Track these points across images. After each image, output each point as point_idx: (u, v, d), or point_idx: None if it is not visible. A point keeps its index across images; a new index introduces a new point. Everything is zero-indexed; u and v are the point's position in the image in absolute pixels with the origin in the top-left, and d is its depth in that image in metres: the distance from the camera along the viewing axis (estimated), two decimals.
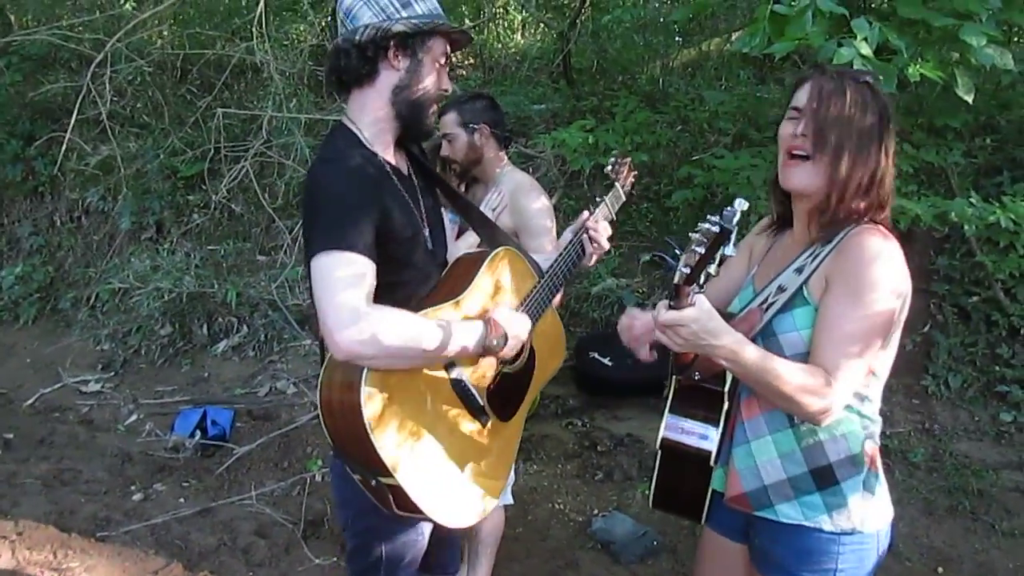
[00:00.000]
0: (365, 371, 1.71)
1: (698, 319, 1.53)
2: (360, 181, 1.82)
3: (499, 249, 2.07)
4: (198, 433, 4.67)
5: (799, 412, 1.68)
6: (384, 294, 1.77)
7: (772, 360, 1.63)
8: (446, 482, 1.87)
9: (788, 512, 1.77)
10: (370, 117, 1.90)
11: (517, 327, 1.92)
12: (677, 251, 1.52)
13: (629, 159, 2.52)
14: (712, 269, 1.46)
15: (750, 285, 1.93)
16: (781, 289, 1.77)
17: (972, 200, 3.16)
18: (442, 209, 2.19)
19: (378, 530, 2.01)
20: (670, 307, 1.54)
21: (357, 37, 1.82)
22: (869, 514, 1.77)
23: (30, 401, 5.35)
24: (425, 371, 1.84)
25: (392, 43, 1.84)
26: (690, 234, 1.46)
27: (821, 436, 1.75)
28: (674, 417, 1.88)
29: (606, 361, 4.92)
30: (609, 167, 2.48)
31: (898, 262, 1.68)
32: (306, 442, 4.62)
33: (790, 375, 1.62)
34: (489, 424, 1.99)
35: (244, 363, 5.70)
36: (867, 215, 1.72)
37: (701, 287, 1.51)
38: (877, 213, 1.73)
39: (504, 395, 2.04)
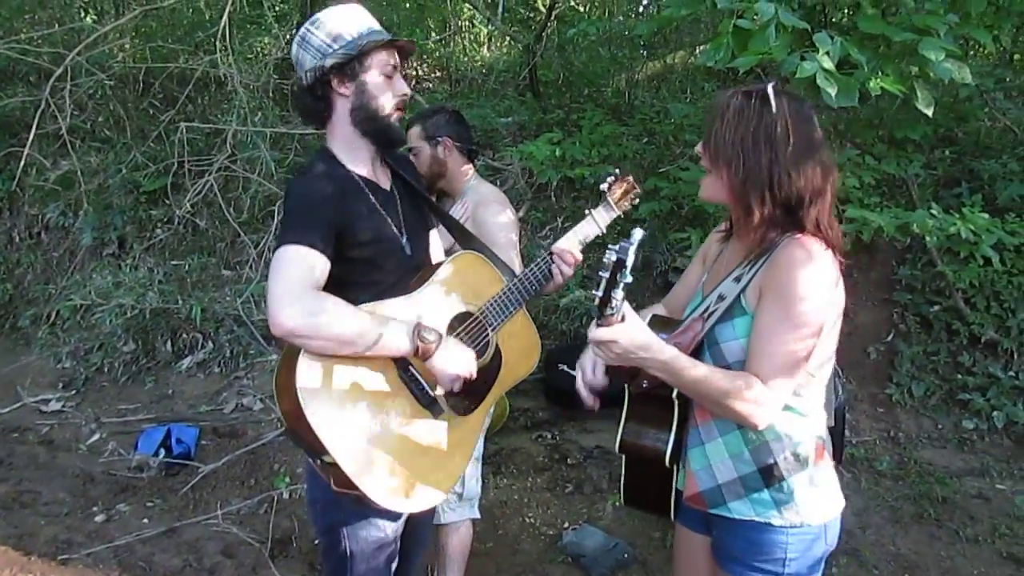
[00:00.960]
0: (303, 352, 1.86)
1: (627, 333, 1.64)
2: (321, 187, 2.01)
3: (461, 252, 2.21)
4: (162, 452, 4.59)
5: (733, 418, 1.78)
6: (359, 293, 1.96)
7: (702, 369, 1.73)
8: (386, 465, 1.94)
9: (740, 508, 1.87)
10: (340, 141, 2.12)
11: (450, 345, 2.02)
12: (601, 271, 1.64)
13: (630, 177, 2.50)
14: (618, 294, 1.58)
15: (700, 292, 2.01)
16: (721, 298, 1.86)
17: (933, 211, 3.21)
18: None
19: (341, 525, 2.12)
20: (598, 324, 1.65)
21: (304, 82, 2.06)
22: (816, 507, 1.87)
23: None
24: (369, 358, 1.94)
25: (332, 75, 2.04)
26: (603, 257, 1.58)
27: (766, 436, 1.84)
28: (630, 423, 1.99)
29: (575, 373, 4.90)
30: (606, 184, 2.47)
31: (826, 269, 1.75)
32: (273, 459, 4.56)
33: (721, 383, 1.72)
34: (443, 416, 2.06)
35: (209, 380, 5.62)
36: (791, 220, 1.78)
37: (617, 306, 1.60)
38: (802, 216, 1.77)
39: (463, 390, 2.09)
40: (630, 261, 1.56)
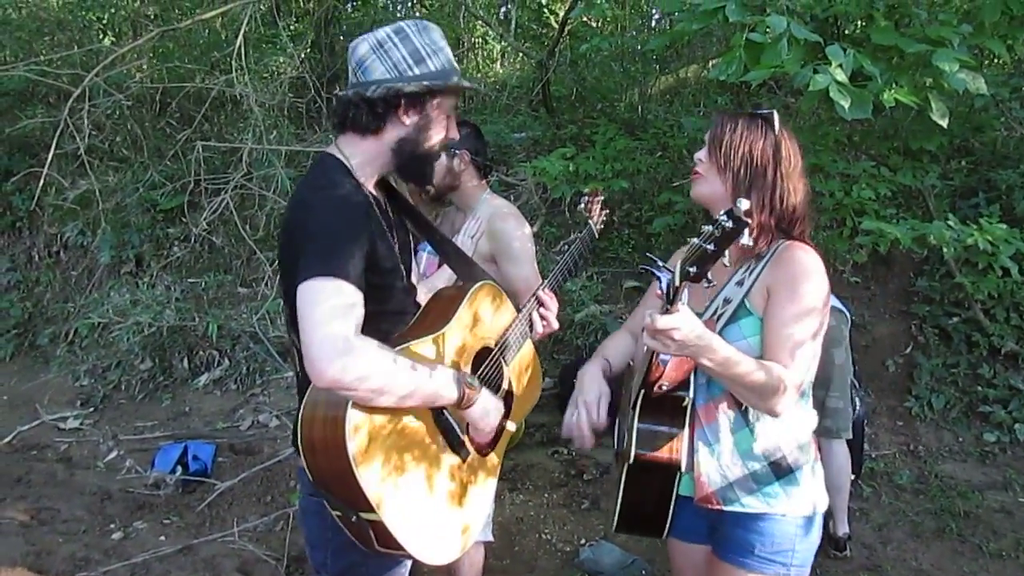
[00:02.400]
0: (349, 405, 1.68)
1: (688, 322, 1.67)
2: (352, 210, 1.82)
3: (480, 283, 2.09)
4: (179, 469, 4.60)
5: (761, 404, 1.87)
6: (368, 323, 1.75)
7: (745, 359, 1.81)
8: (427, 518, 1.84)
9: (752, 503, 1.95)
10: (363, 156, 1.93)
11: (488, 405, 1.94)
12: (660, 263, 1.65)
13: (600, 196, 2.53)
14: (726, 261, 1.56)
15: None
16: (727, 301, 1.98)
17: (950, 222, 3.19)
18: (420, 243, 2.22)
19: (359, 569, 1.97)
20: (666, 311, 1.64)
21: (368, 92, 1.85)
22: (818, 496, 2.00)
23: (7, 439, 5.25)
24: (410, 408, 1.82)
25: (403, 101, 1.86)
26: (692, 240, 1.58)
27: (774, 431, 1.95)
28: (645, 427, 1.96)
29: (579, 410, 4.88)
30: (582, 204, 2.49)
31: (823, 272, 1.93)
32: (289, 475, 4.56)
33: (759, 371, 1.81)
34: (469, 458, 1.97)
35: (226, 397, 5.64)
36: (785, 231, 1.98)
37: (709, 282, 1.60)
38: (792, 227, 1.98)
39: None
40: (748, 226, 1.52)
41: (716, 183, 1.97)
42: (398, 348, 1.79)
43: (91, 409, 5.62)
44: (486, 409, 1.92)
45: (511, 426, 2.11)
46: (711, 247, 1.54)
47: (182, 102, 6.54)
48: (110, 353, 5.89)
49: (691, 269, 1.56)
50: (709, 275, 1.58)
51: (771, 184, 1.95)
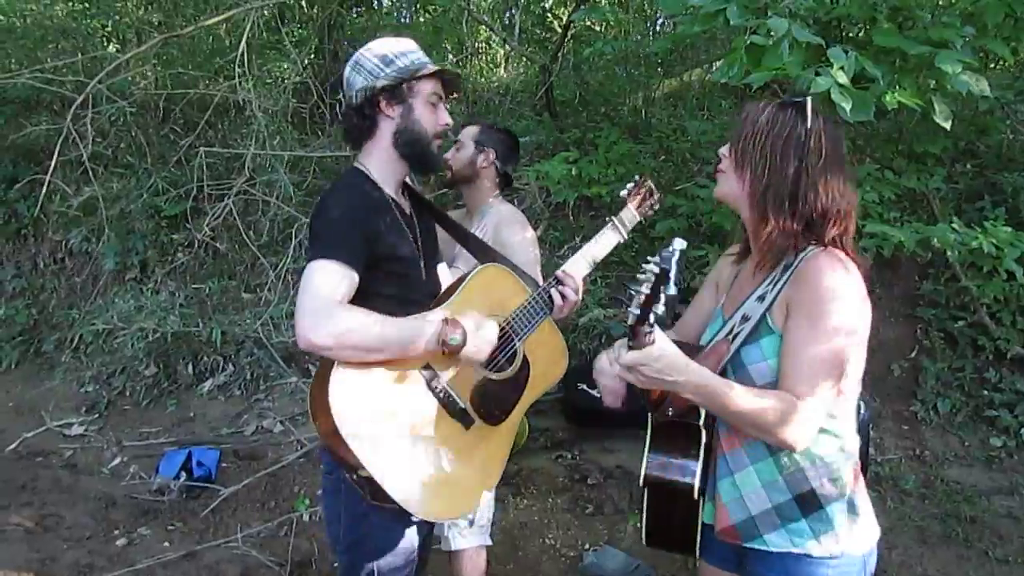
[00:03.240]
0: (335, 367, 1.90)
1: (659, 357, 1.58)
2: (358, 202, 2.08)
3: (485, 265, 2.24)
4: (183, 475, 4.60)
5: (771, 439, 1.70)
6: (383, 307, 1.97)
7: (737, 390, 1.65)
8: (421, 476, 1.98)
9: (776, 540, 1.77)
10: (377, 162, 2.18)
11: (478, 327, 2.03)
12: (630, 291, 1.56)
13: (649, 181, 2.50)
14: (660, 308, 1.50)
15: (719, 315, 1.94)
16: (745, 318, 1.80)
17: (954, 226, 3.17)
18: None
19: (368, 540, 2.13)
20: (629, 347, 1.58)
21: (353, 101, 2.15)
22: (855, 536, 1.78)
23: (12, 446, 5.25)
24: (399, 369, 1.99)
25: (382, 97, 2.12)
26: (638, 275, 1.52)
27: (802, 462, 1.76)
28: (654, 455, 1.89)
29: (595, 392, 4.85)
30: (626, 191, 2.46)
31: (854, 281, 1.71)
32: (293, 481, 4.56)
33: (756, 404, 1.65)
34: (475, 426, 2.10)
35: (230, 402, 5.64)
36: (811, 236, 1.76)
37: (652, 326, 1.54)
38: (822, 232, 1.76)
39: (492, 400, 2.15)
40: (673, 272, 1.50)
41: (734, 181, 1.81)
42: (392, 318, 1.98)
43: (96, 415, 5.62)
44: (477, 346, 2.02)
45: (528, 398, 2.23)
46: (645, 291, 1.49)
47: (186, 108, 6.55)
48: (115, 359, 5.89)
49: (635, 312, 1.52)
50: (651, 319, 1.52)
51: (791, 184, 1.73)
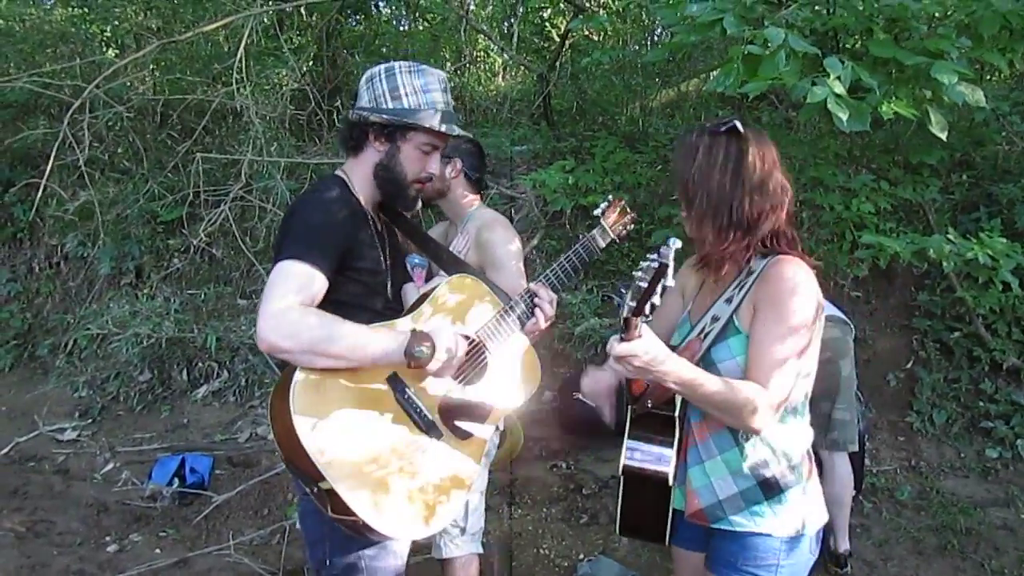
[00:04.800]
0: (296, 374, 1.85)
1: (647, 349, 1.69)
2: (335, 208, 2.05)
3: (454, 275, 2.22)
4: (176, 481, 4.58)
5: (741, 424, 1.87)
6: (355, 316, 1.95)
7: (713, 380, 1.81)
8: (385, 490, 1.92)
9: (740, 521, 1.95)
10: (358, 178, 2.19)
11: (446, 339, 1.98)
12: (623, 290, 1.72)
13: (623, 202, 2.50)
14: (656, 300, 1.65)
15: (687, 320, 2.09)
16: (715, 319, 1.96)
17: (950, 236, 3.17)
18: (408, 255, 2.42)
19: (358, 563, 2.08)
20: (621, 339, 1.69)
21: (350, 116, 2.15)
22: (808, 517, 1.97)
23: (5, 451, 5.23)
24: (364, 381, 1.94)
25: (371, 129, 2.12)
26: (633, 272, 1.68)
27: (765, 451, 1.94)
28: (633, 443, 2.03)
29: (590, 402, 4.86)
30: (599, 210, 2.46)
31: (812, 285, 1.89)
32: (286, 488, 4.54)
33: (729, 392, 1.81)
34: (443, 440, 2.06)
35: (224, 409, 5.63)
36: (773, 244, 1.93)
37: (648, 319, 1.68)
38: (779, 240, 1.93)
39: (462, 413, 2.11)
40: (671, 267, 1.60)
41: (690, 219, 1.95)
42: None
43: (89, 420, 5.61)
44: (438, 331, 1.97)
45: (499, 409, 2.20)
46: (644, 284, 1.64)
47: (183, 114, 6.54)
48: (109, 364, 5.88)
49: (631, 304, 1.65)
50: (647, 310, 1.65)
51: (737, 203, 1.87)
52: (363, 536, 1.96)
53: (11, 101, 6.75)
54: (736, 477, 1.94)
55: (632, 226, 2.51)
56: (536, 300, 2.23)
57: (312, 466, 1.82)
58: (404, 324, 2.04)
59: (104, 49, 7.31)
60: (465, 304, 2.17)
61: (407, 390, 2.00)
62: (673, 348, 1.94)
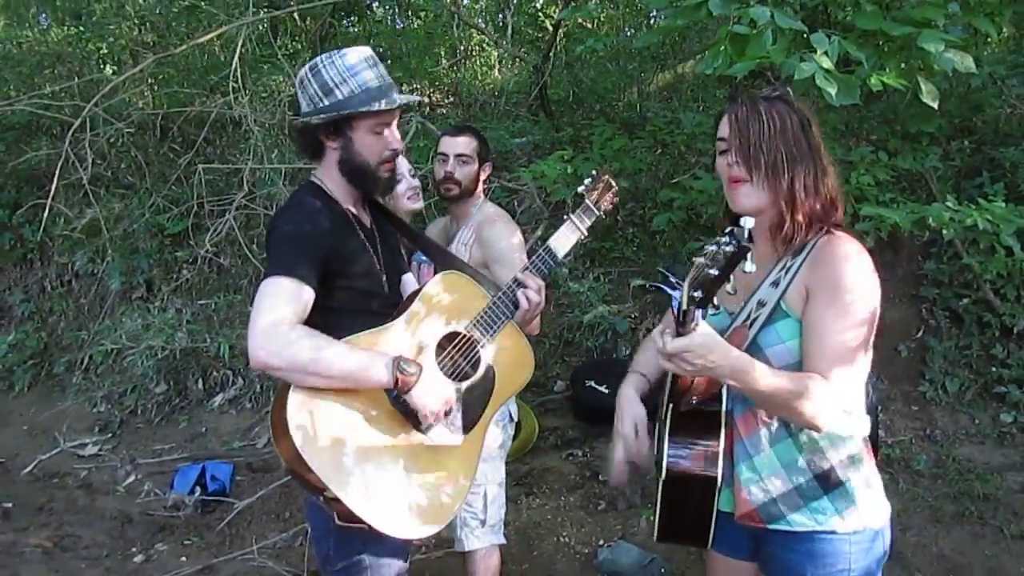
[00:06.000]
0: (291, 388, 1.86)
1: (704, 343, 1.55)
2: (313, 218, 2.03)
3: (442, 273, 2.20)
4: (198, 490, 4.64)
5: (802, 420, 1.71)
6: (348, 323, 1.97)
7: (772, 372, 1.66)
8: (388, 493, 1.93)
9: (801, 520, 1.79)
10: (330, 179, 2.15)
11: (432, 403, 2.00)
12: (672, 279, 1.54)
13: (607, 176, 2.49)
14: (729, 288, 1.48)
15: (722, 309, 1.91)
16: (761, 304, 1.80)
17: (949, 203, 3.17)
18: (415, 253, 2.37)
19: (360, 559, 2.09)
20: (678, 333, 1.54)
21: (297, 125, 2.12)
22: (874, 510, 1.82)
23: (28, 468, 5.31)
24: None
25: (319, 131, 2.08)
26: (695, 259, 1.49)
27: (820, 442, 1.78)
28: (676, 446, 1.84)
29: (603, 389, 4.90)
30: (583, 187, 2.46)
31: (869, 265, 1.75)
32: (306, 491, 4.58)
33: (787, 384, 1.65)
34: (428, 430, 2.05)
35: (241, 416, 5.67)
36: (825, 219, 1.79)
37: (716, 311, 1.54)
38: (832, 213, 1.80)
39: (458, 409, 2.11)
40: (752, 251, 1.44)
41: (759, 188, 1.77)
42: (351, 337, 1.94)
43: (109, 435, 5.67)
44: (425, 390, 1.97)
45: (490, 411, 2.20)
46: (715, 271, 1.45)
47: (183, 126, 6.59)
48: (125, 378, 5.95)
49: (696, 294, 1.48)
50: (716, 300, 1.50)
51: (812, 169, 1.77)
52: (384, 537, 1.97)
53: (13, 123, 6.82)
54: (790, 471, 1.79)
55: (616, 199, 2.49)
56: (524, 291, 2.23)
57: (316, 477, 1.83)
58: (398, 330, 2.03)
59: (101, 67, 7.36)
60: (455, 300, 2.16)
61: (400, 394, 1.99)
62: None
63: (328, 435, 1.87)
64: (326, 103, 2.04)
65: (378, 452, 1.94)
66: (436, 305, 2.12)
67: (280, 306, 1.87)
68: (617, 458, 1.95)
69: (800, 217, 1.77)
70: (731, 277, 1.46)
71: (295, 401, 1.85)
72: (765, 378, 1.64)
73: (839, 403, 1.69)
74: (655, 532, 1.94)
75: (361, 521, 1.87)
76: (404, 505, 1.95)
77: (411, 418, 2.00)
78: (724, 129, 1.82)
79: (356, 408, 1.94)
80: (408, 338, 2.05)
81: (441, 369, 2.09)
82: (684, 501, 1.88)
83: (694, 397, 1.81)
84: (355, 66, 2.06)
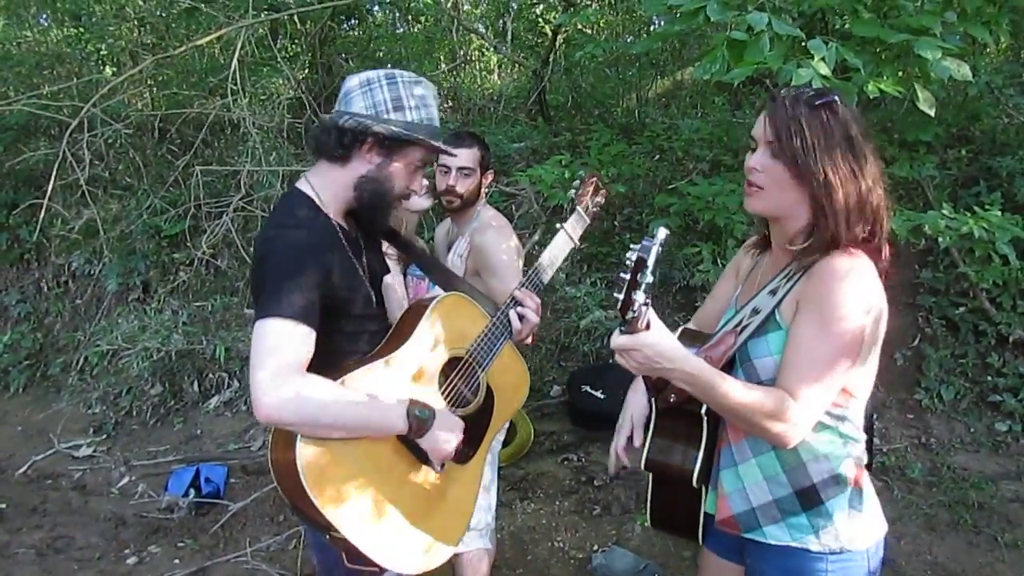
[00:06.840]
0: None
1: (651, 343, 1.56)
2: (308, 249, 1.87)
3: (443, 295, 2.13)
4: (192, 492, 4.62)
5: (761, 435, 1.68)
6: (341, 344, 1.92)
7: (731, 383, 1.63)
8: (397, 531, 1.90)
9: (776, 533, 1.78)
10: (329, 186, 1.99)
11: (445, 453, 1.98)
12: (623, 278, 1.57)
13: (596, 178, 2.50)
14: (639, 296, 1.49)
15: (733, 306, 1.94)
16: (755, 311, 1.77)
17: (945, 212, 3.17)
18: (410, 267, 2.32)
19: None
20: (622, 332, 1.57)
21: (342, 121, 1.93)
22: (856, 532, 1.76)
23: (22, 469, 5.28)
24: None
25: (370, 140, 1.94)
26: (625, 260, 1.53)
27: (804, 457, 1.75)
28: (657, 439, 1.91)
29: (598, 394, 4.90)
30: (573, 191, 2.47)
31: (868, 280, 1.65)
32: None
33: (747, 397, 1.62)
34: (443, 468, 2.03)
35: (237, 418, 5.66)
36: (855, 239, 1.68)
37: (637, 312, 1.52)
38: (870, 232, 1.69)
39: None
40: (651, 260, 1.48)
41: (781, 192, 1.69)
42: (356, 374, 1.87)
43: (103, 436, 5.65)
44: (437, 439, 1.94)
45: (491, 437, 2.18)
46: (626, 277, 1.49)
47: (181, 128, 6.58)
48: (120, 380, 5.92)
49: (619, 296, 1.50)
50: (634, 305, 1.49)
51: (856, 185, 1.65)
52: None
53: (11, 124, 6.80)
54: (771, 484, 1.77)
55: (603, 201, 2.50)
56: (520, 310, 2.21)
57: (323, 518, 1.78)
58: (404, 359, 1.98)
59: (100, 68, 7.36)
60: (456, 324, 2.12)
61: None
62: (710, 336, 1.87)
63: (335, 475, 1.81)
64: (393, 117, 1.93)
65: (386, 489, 1.90)
66: (436, 331, 2.07)
67: (284, 354, 1.75)
68: (612, 446, 2.02)
69: (827, 233, 1.67)
70: (639, 284, 1.48)
71: (305, 441, 1.78)
72: (722, 388, 1.61)
73: (803, 424, 1.64)
74: (648, 517, 2.02)
75: (371, 562, 1.84)
76: (412, 540, 1.93)
77: (417, 452, 1.97)
78: (757, 128, 1.73)
79: (363, 445, 1.88)
80: (413, 367, 2.00)
81: (445, 399, 2.07)
82: (670, 493, 1.93)
83: (672, 395, 1.79)
84: (427, 97, 1.99)
